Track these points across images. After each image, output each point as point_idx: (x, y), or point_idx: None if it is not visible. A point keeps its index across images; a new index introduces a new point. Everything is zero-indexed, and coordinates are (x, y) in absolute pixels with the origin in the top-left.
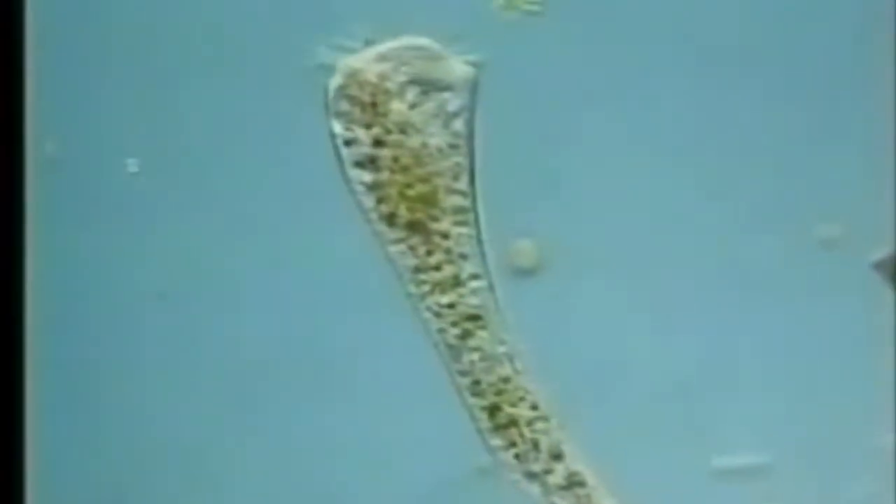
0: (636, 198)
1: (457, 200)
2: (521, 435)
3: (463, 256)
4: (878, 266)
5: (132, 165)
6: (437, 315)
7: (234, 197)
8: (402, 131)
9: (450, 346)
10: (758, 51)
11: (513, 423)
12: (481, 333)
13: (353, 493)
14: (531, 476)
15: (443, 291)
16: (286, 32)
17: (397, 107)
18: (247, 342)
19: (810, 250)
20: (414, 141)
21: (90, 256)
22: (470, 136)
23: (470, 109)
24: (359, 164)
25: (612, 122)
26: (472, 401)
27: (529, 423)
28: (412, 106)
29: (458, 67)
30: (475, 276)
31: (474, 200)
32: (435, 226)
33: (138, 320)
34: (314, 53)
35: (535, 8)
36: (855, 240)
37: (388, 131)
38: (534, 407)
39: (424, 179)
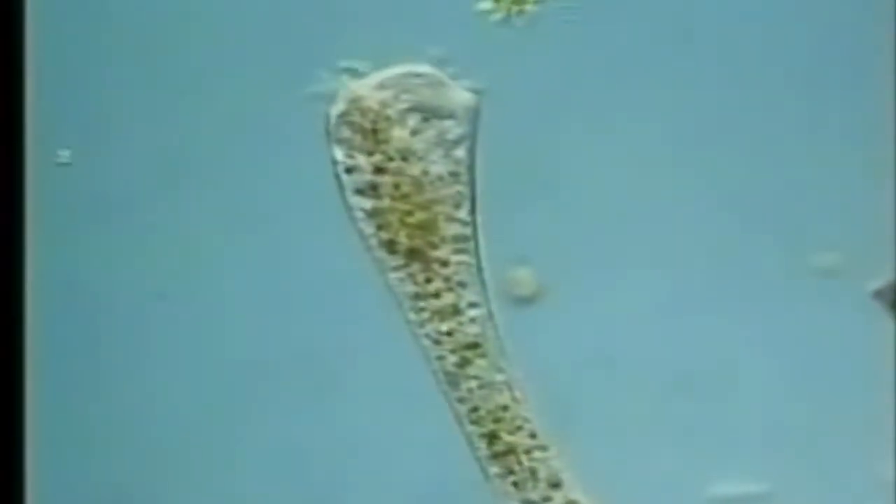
0: (635, 226)
1: (457, 229)
2: (520, 463)
3: (462, 284)
4: (878, 295)
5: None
6: (436, 342)
7: (235, 207)
8: (404, 158)
9: (448, 373)
10: (760, 78)
11: (511, 450)
12: (480, 361)
13: (351, 496)
14: None
15: (442, 319)
16: (288, 58)
17: (399, 134)
18: (247, 344)
19: (810, 278)
20: (415, 168)
21: (90, 256)
22: (471, 164)
23: (472, 137)
24: (359, 191)
25: (611, 150)
26: (471, 428)
27: (528, 451)
28: (413, 133)
29: (459, 95)
30: (474, 305)
31: (474, 229)
32: (434, 253)
33: (138, 320)
34: (316, 80)
35: (538, 8)
36: (854, 268)
37: (390, 158)
38: (532, 435)
39: (425, 207)
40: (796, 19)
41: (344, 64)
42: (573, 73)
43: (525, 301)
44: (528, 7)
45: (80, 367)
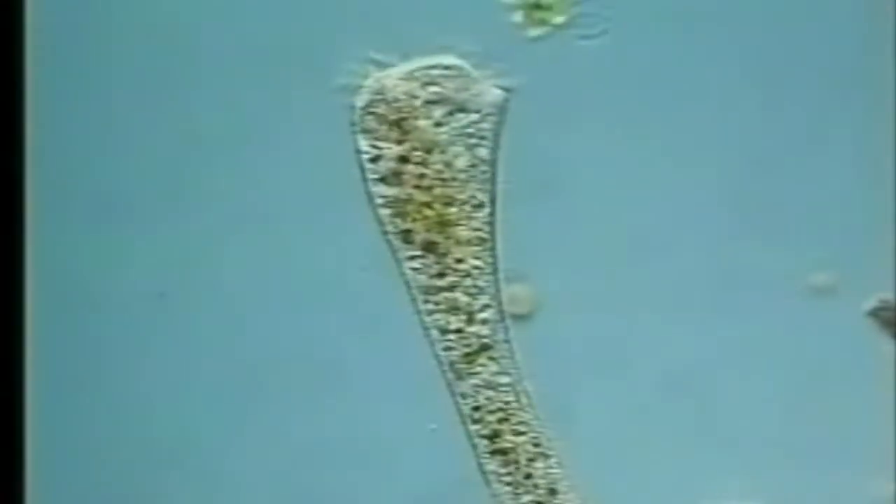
0: (634, 238)
1: (475, 230)
2: (518, 466)
3: (476, 286)
4: (874, 313)
5: None
6: (444, 332)
7: (239, 203)
8: (427, 151)
9: (453, 366)
10: (765, 96)
11: (510, 452)
12: (488, 363)
13: (353, 495)
14: None
15: (453, 314)
16: (315, 48)
17: (423, 125)
18: (247, 343)
19: (807, 297)
20: (438, 161)
21: (90, 256)
22: (493, 163)
23: (496, 135)
24: (382, 180)
25: (617, 162)
26: (473, 427)
27: (530, 459)
28: (438, 125)
29: (488, 91)
30: (487, 306)
31: (492, 230)
32: (450, 249)
33: (138, 320)
34: (342, 69)
35: (563, 19)
36: (851, 287)
37: (413, 149)
38: (536, 444)
39: (444, 202)
40: (802, 33)
41: (371, 55)
42: (584, 89)
43: (522, 318)
44: (555, 19)
45: (80, 366)
